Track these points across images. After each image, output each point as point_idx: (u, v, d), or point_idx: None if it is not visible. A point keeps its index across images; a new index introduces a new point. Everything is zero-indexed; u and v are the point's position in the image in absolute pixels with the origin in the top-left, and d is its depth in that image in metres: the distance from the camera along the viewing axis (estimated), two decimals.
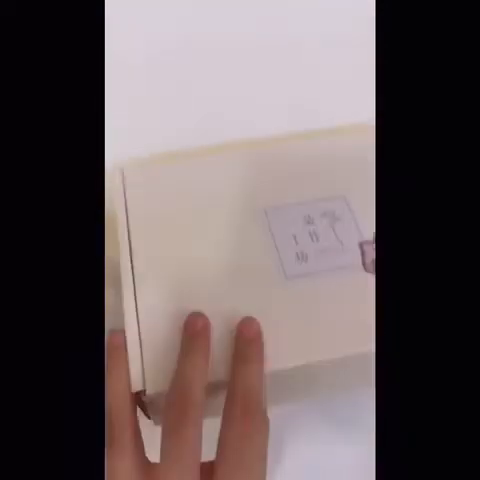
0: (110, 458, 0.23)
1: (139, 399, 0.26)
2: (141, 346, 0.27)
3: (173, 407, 0.24)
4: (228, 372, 0.26)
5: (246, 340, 0.26)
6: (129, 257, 0.31)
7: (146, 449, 0.25)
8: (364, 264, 0.30)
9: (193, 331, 0.26)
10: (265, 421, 0.24)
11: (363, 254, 0.30)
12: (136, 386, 0.26)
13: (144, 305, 0.29)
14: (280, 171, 0.34)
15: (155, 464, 0.23)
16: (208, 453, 0.23)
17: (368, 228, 0.31)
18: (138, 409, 0.26)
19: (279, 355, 0.27)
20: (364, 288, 0.29)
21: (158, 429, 0.24)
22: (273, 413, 0.25)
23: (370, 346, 0.26)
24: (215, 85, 0.45)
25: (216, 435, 0.24)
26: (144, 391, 0.26)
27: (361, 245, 0.31)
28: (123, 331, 0.27)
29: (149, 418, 0.28)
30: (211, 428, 0.24)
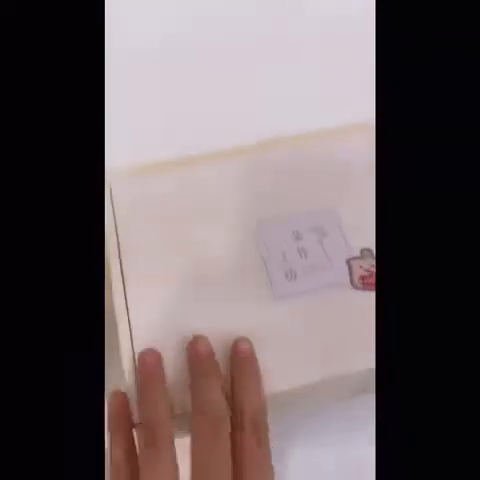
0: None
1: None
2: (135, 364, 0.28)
3: (207, 425, 0.25)
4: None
5: (245, 360, 0.27)
6: (120, 274, 0.31)
7: None
8: (351, 281, 0.30)
9: (203, 356, 0.27)
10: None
11: (350, 271, 0.30)
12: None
13: (137, 325, 0.29)
14: (272, 180, 0.34)
15: None
16: None
17: (356, 242, 0.31)
18: None
19: (271, 378, 0.27)
20: (352, 305, 0.29)
21: None
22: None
23: (364, 364, 0.27)
24: (213, 85, 0.45)
25: None
26: None
27: (348, 261, 0.31)
28: (154, 350, 0.28)
29: None
30: None
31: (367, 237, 0.30)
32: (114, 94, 0.34)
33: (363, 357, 0.27)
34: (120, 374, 0.29)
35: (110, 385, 0.26)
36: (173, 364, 0.28)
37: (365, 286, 0.30)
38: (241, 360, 0.27)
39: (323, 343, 0.28)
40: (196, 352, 0.27)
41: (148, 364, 0.27)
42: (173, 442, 0.25)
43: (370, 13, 0.26)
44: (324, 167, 0.34)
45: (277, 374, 0.27)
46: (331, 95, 0.43)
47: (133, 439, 0.26)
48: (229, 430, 0.25)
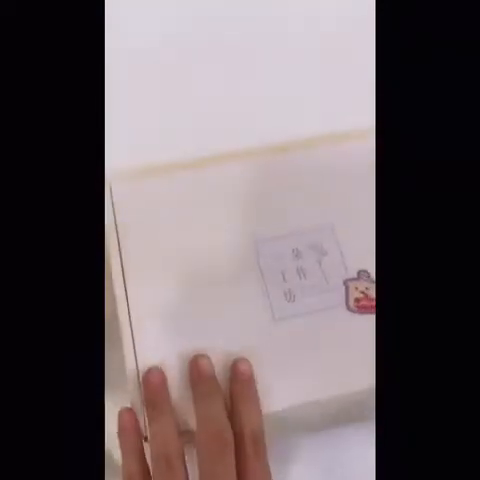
0: None
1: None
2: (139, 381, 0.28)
3: (212, 442, 0.25)
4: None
5: (244, 381, 0.28)
6: (121, 272, 0.31)
7: None
8: (347, 304, 0.30)
9: (205, 376, 0.28)
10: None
11: (346, 293, 0.31)
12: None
13: (138, 323, 0.30)
14: (274, 186, 0.34)
15: None
16: None
17: (354, 262, 0.32)
18: None
19: (269, 398, 0.28)
20: (348, 328, 0.30)
21: None
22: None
23: (361, 385, 0.27)
24: (212, 87, 0.45)
25: None
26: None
27: (345, 283, 0.31)
28: (158, 369, 0.28)
29: None
30: None
31: (365, 257, 0.31)
32: (114, 94, 0.34)
33: (361, 379, 0.27)
34: (120, 374, 0.29)
35: (110, 385, 0.26)
36: (174, 372, 0.28)
37: (359, 309, 0.30)
38: (240, 381, 0.28)
39: (321, 364, 0.29)
40: (198, 372, 0.28)
41: (153, 384, 0.28)
42: (184, 457, 0.26)
43: (370, 13, 0.26)
44: (324, 176, 0.34)
45: (275, 393, 0.28)
46: (331, 96, 0.43)
47: (144, 453, 0.27)
48: (233, 446, 0.25)
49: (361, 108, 0.31)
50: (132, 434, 0.27)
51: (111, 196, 0.33)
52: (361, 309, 0.30)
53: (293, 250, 0.32)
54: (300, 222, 0.33)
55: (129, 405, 0.28)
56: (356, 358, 0.28)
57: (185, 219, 0.33)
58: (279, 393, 0.28)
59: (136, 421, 0.27)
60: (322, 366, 0.29)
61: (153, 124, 0.42)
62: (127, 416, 0.27)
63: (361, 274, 0.31)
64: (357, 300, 0.30)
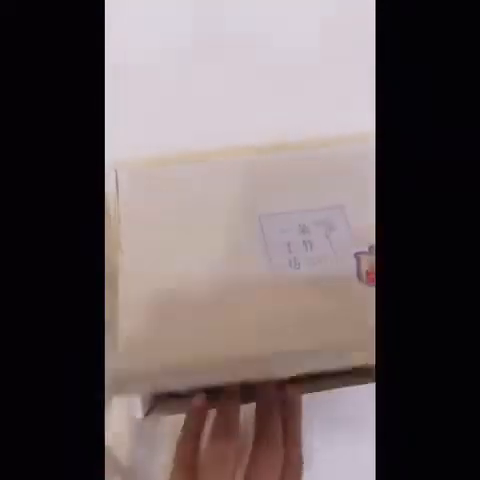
0: None
1: None
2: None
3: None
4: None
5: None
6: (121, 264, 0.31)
7: None
8: (359, 275, 0.30)
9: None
10: None
11: (358, 264, 0.30)
12: None
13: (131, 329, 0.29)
14: (278, 179, 0.34)
15: None
16: None
17: (364, 239, 0.31)
18: None
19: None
20: (357, 298, 0.29)
21: None
22: None
23: (362, 360, 0.27)
24: (213, 88, 0.45)
25: None
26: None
27: (356, 255, 0.30)
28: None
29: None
30: None
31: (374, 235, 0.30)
32: (114, 94, 0.34)
33: (362, 354, 0.27)
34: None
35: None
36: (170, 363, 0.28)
37: (371, 281, 0.29)
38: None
39: (324, 332, 0.28)
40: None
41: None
42: None
43: (370, 13, 0.26)
44: (332, 168, 0.34)
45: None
46: (330, 97, 0.43)
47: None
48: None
49: (361, 108, 0.32)
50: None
51: (116, 182, 0.33)
52: (372, 282, 0.29)
53: (300, 225, 0.31)
54: (308, 203, 0.32)
55: (127, 404, 0.28)
56: (362, 329, 0.28)
57: (188, 209, 0.33)
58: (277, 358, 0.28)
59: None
60: (325, 335, 0.28)
61: (157, 115, 0.43)
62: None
63: (372, 250, 0.30)
64: (368, 273, 0.30)
